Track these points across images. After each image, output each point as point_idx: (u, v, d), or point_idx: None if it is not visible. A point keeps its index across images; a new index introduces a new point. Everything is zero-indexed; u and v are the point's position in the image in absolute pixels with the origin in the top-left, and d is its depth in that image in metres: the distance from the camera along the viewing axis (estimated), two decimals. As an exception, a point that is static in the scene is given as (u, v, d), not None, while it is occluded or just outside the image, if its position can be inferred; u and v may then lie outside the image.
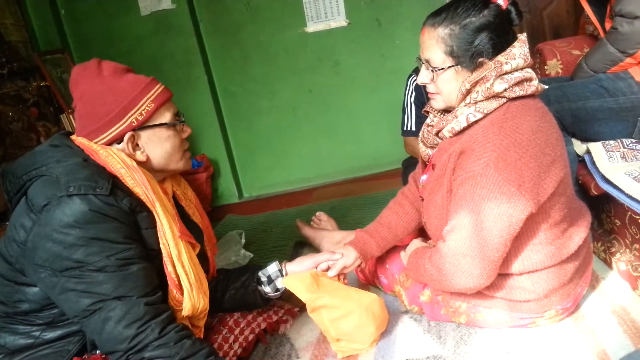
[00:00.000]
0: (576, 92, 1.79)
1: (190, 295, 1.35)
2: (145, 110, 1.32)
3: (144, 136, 1.35)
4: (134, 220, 1.27)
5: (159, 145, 1.37)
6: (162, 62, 3.30)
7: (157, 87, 1.36)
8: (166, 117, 1.37)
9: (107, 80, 1.31)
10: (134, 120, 1.31)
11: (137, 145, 1.34)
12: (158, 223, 1.31)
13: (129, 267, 1.21)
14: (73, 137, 1.35)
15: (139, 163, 1.33)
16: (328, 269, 1.64)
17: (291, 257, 1.71)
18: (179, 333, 1.22)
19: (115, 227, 1.21)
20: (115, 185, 1.25)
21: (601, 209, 1.74)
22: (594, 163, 1.68)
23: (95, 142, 1.31)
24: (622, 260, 1.64)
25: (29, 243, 1.19)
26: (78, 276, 1.17)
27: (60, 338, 1.29)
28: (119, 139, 1.32)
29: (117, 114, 1.29)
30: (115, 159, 1.28)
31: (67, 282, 1.17)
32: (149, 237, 1.30)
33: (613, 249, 1.70)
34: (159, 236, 1.31)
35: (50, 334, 1.28)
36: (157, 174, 1.41)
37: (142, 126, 1.33)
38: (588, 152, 1.74)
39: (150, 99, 1.33)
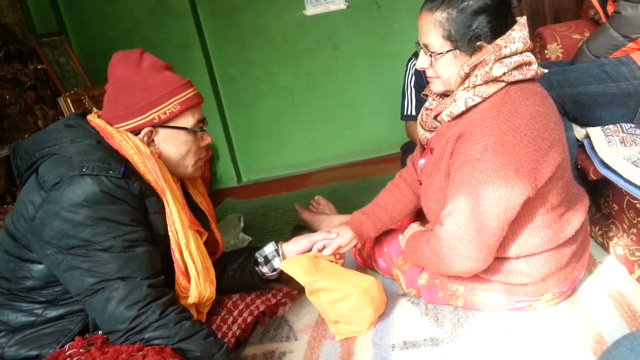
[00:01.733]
0: (579, 77, 1.78)
1: (197, 283, 1.37)
2: (170, 111, 1.34)
3: (162, 134, 1.37)
4: (142, 204, 1.28)
5: (173, 147, 1.39)
6: (159, 45, 3.28)
7: (189, 90, 1.38)
8: (189, 122, 1.39)
9: (143, 73, 1.33)
10: (156, 117, 1.33)
11: (153, 140, 1.36)
12: (167, 211, 1.33)
13: (134, 249, 1.23)
14: (89, 117, 1.36)
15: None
16: (324, 248, 1.64)
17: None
18: (179, 315, 1.23)
19: (124, 209, 1.23)
20: (127, 168, 1.27)
21: (599, 193, 1.74)
22: (592, 148, 1.68)
23: (115, 127, 1.32)
24: (619, 244, 1.65)
25: (37, 220, 1.21)
26: (84, 255, 1.19)
27: (62, 317, 1.30)
28: (137, 131, 1.34)
29: (142, 107, 1.32)
30: (129, 144, 1.30)
31: (73, 260, 1.19)
32: (156, 221, 1.32)
33: (610, 234, 1.70)
34: (167, 223, 1.33)
35: (52, 312, 1.30)
36: None
37: (163, 125, 1.35)
38: (587, 136, 1.74)
39: (178, 101, 1.35)
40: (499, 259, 1.42)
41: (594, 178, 1.66)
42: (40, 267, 1.27)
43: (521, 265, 1.43)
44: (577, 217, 1.45)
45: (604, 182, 1.66)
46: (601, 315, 1.44)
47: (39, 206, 1.21)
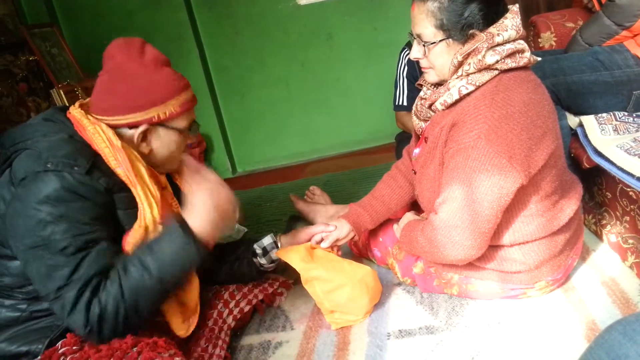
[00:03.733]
0: (572, 66, 1.78)
1: None
2: (170, 111, 1.30)
3: (156, 133, 1.33)
4: (109, 201, 1.24)
5: (165, 146, 1.35)
6: (152, 36, 3.24)
7: (189, 92, 1.35)
8: (183, 123, 1.36)
9: (146, 65, 1.27)
10: (155, 116, 1.28)
11: (146, 137, 1.33)
12: (140, 206, 1.28)
13: (91, 250, 1.18)
14: (71, 107, 1.31)
15: (141, 154, 1.32)
16: (322, 240, 1.65)
17: (285, 232, 1.72)
18: (103, 284, 1.18)
19: (86, 206, 1.19)
20: (96, 164, 1.22)
21: (593, 181, 1.75)
22: (586, 136, 1.68)
23: (106, 118, 1.28)
24: (612, 232, 1.66)
25: (7, 216, 1.19)
26: (42, 257, 1.16)
27: (48, 312, 1.26)
28: (132, 126, 1.29)
29: (144, 104, 1.27)
30: (101, 138, 1.25)
31: (36, 261, 1.16)
32: (125, 217, 1.28)
33: (604, 221, 1.71)
34: (140, 219, 1.29)
35: (37, 307, 1.26)
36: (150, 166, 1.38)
37: (160, 124, 1.31)
38: (581, 125, 1.74)
39: (180, 102, 1.31)
40: (493, 246, 1.43)
41: (588, 166, 1.67)
42: (17, 263, 1.23)
43: (515, 253, 1.43)
44: (571, 205, 1.45)
45: (598, 170, 1.66)
46: (594, 303, 1.45)
47: (8, 203, 1.18)
